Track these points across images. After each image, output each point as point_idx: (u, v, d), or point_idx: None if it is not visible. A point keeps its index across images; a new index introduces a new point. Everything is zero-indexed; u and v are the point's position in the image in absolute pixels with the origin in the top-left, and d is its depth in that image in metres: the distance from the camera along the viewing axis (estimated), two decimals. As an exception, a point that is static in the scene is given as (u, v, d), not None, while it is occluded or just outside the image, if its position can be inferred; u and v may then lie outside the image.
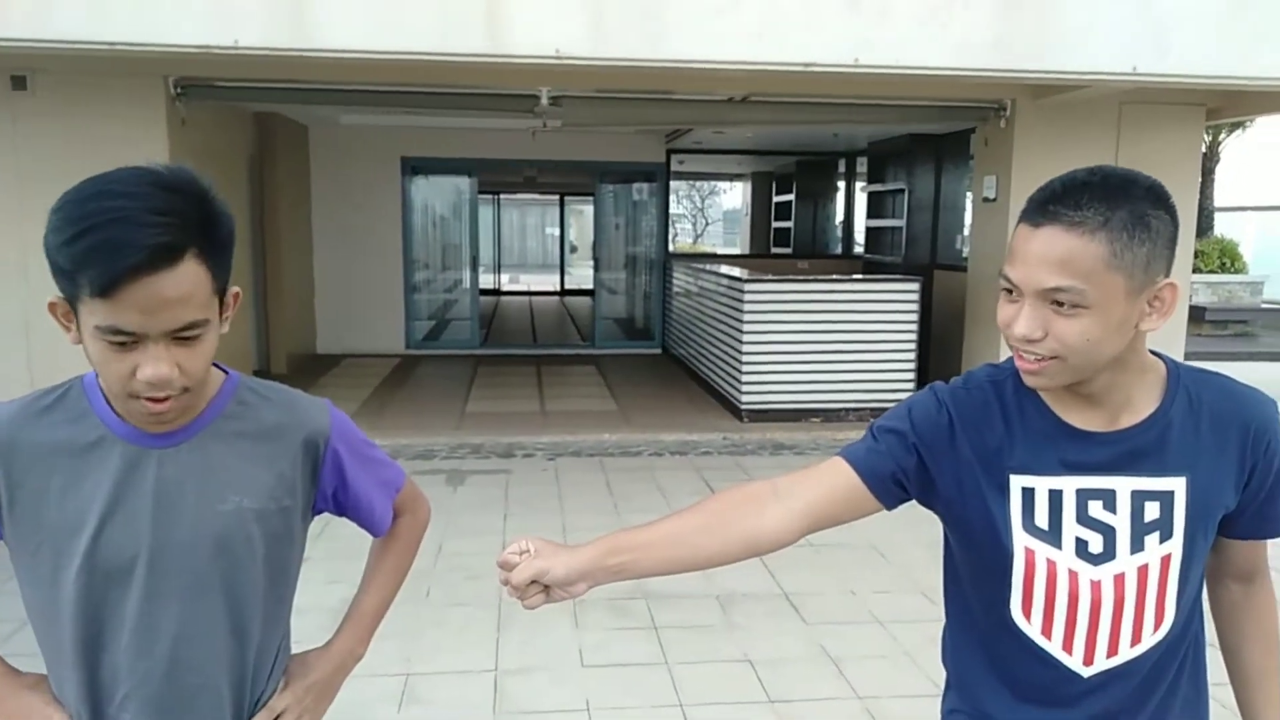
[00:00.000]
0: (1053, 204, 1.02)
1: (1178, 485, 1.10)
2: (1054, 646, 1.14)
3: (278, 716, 1.21)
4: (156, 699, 1.11)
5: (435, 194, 10.29)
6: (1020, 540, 1.13)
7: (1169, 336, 6.68)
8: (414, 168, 9.60)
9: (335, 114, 7.87)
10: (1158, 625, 1.13)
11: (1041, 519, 1.12)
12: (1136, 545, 1.11)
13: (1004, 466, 1.13)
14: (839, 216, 12.22)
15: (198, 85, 5.86)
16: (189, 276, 0.98)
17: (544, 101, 6.10)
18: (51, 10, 4.58)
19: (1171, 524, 1.11)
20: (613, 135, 9.62)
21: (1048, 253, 1.01)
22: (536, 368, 9.16)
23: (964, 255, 7.91)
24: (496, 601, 3.65)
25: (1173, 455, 1.11)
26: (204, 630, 1.11)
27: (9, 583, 1.14)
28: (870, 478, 1.14)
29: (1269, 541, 1.20)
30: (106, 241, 0.94)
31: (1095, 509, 1.11)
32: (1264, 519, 1.17)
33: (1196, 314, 10.89)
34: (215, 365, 1.14)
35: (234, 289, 1.09)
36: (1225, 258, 13.58)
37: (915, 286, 6.83)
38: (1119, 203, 1.00)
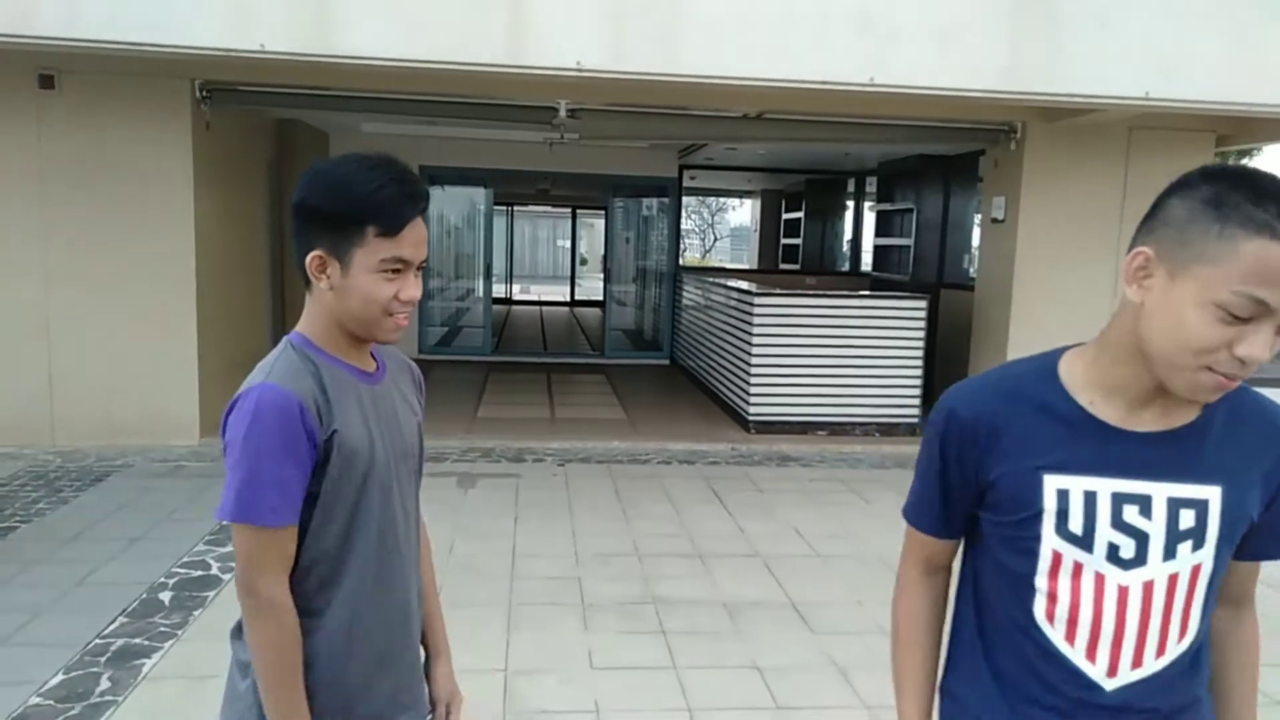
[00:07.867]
0: None
1: (1213, 494, 1.07)
2: (1077, 654, 1.10)
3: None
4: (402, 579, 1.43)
5: (451, 204, 10.42)
6: (1049, 543, 1.09)
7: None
8: (432, 177, 9.70)
9: (356, 121, 7.97)
10: (1182, 635, 1.09)
11: (1075, 523, 1.08)
12: (1169, 553, 1.07)
13: (1035, 466, 1.09)
14: (847, 234, 12.29)
15: (222, 89, 5.94)
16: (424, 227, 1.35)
17: (562, 114, 6.19)
18: (78, 9, 4.67)
19: (1205, 534, 1.07)
20: (626, 150, 9.72)
21: None
22: (547, 375, 9.23)
23: (971, 275, 7.97)
24: (506, 602, 3.69)
25: (1210, 463, 1.08)
26: (416, 524, 1.51)
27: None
28: (934, 534, 1.23)
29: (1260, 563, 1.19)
30: (398, 193, 1.26)
31: (1130, 514, 1.07)
32: (1277, 538, 1.14)
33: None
34: None
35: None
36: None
37: (923, 304, 6.88)
38: None
